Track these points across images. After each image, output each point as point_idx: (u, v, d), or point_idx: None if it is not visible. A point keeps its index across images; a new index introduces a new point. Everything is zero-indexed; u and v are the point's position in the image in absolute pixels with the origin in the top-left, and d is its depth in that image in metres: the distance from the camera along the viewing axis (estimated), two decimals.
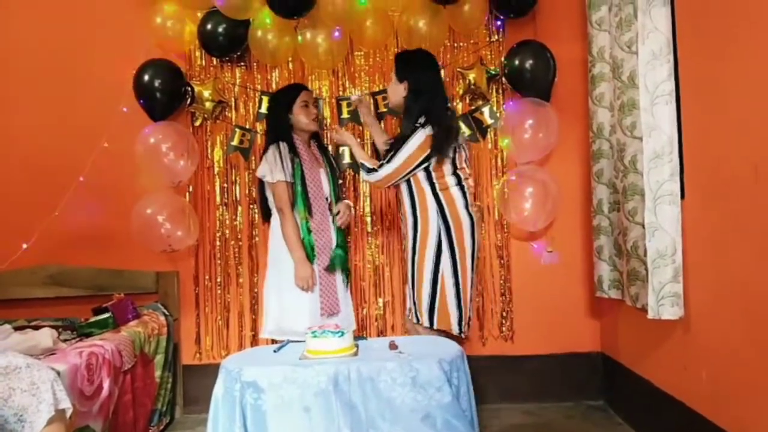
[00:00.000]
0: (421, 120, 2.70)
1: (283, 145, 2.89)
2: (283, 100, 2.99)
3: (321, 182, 2.96)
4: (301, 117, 2.95)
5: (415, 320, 2.76)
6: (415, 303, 2.74)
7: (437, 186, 2.72)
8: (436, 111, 2.74)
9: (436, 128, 2.68)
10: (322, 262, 2.88)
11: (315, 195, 2.91)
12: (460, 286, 2.70)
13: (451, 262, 2.69)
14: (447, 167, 2.73)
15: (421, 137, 2.67)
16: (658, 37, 2.37)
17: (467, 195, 2.76)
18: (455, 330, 2.71)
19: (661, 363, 2.70)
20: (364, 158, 2.85)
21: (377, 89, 3.38)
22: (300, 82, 3.28)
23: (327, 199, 2.97)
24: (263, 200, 3.00)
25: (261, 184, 2.99)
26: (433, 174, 2.72)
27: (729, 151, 2.14)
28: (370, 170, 2.78)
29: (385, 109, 3.33)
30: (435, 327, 2.71)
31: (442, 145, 2.68)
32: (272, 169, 2.85)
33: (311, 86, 3.47)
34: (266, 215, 3.02)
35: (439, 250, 2.69)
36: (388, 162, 2.71)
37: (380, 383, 2.22)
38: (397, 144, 2.73)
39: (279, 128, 2.96)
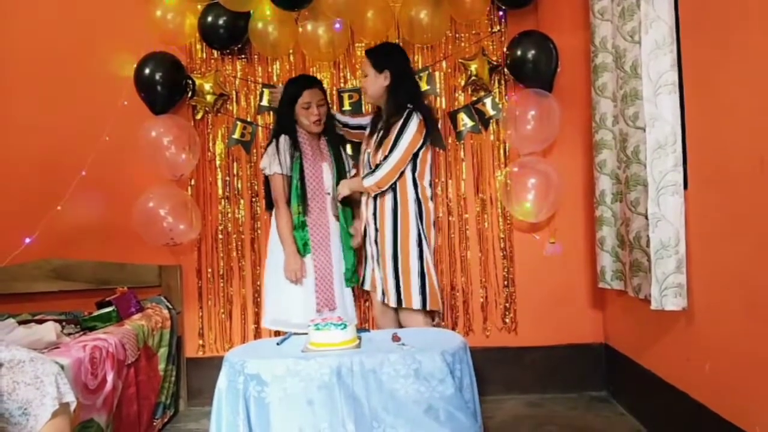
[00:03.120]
0: (410, 106, 2.79)
1: (285, 139, 2.92)
2: (289, 95, 2.98)
3: (322, 177, 2.97)
4: (301, 118, 2.96)
5: (395, 304, 2.84)
6: (399, 288, 2.82)
7: (418, 183, 2.84)
8: (420, 97, 2.93)
9: (424, 114, 2.80)
10: (318, 257, 2.92)
11: (314, 190, 2.95)
12: (434, 269, 2.90)
13: (426, 247, 2.85)
14: (429, 160, 2.87)
15: (416, 123, 2.76)
16: (661, 26, 2.36)
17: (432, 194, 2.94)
18: (440, 306, 2.92)
19: (665, 354, 2.69)
20: (359, 179, 2.89)
21: None
22: (310, 76, 3.22)
23: (329, 194, 2.99)
24: (267, 190, 3.05)
25: (265, 174, 3.03)
26: (418, 167, 2.83)
27: (733, 141, 2.12)
28: (374, 170, 2.79)
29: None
30: (428, 308, 2.84)
31: (431, 131, 2.81)
32: (270, 161, 2.90)
33: None
34: (269, 205, 3.06)
35: (419, 239, 2.83)
36: (390, 154, 2.75)
37: (383, 375, 2.23)
38: (388, 133, 2.78)
39: (283, 121, 2.98)
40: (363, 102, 3.38)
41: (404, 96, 2.83)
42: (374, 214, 2.89)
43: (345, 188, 2.97)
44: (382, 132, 2.85)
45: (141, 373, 2.91)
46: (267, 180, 3.03)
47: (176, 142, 3.22)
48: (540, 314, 3.42)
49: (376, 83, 2.89)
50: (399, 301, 2.83)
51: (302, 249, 2.92)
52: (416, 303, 2.81)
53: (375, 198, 2.87)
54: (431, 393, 2.22)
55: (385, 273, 2.86)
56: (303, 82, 3.02)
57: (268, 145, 2.99)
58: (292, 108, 2.96)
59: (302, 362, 2.25)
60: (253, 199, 3.48)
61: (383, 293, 2.88)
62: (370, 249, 2.93)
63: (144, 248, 3.38)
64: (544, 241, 3.40)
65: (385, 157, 2.76)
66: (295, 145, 2.93)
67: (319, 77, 3.44)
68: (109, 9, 3.46)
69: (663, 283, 2.39)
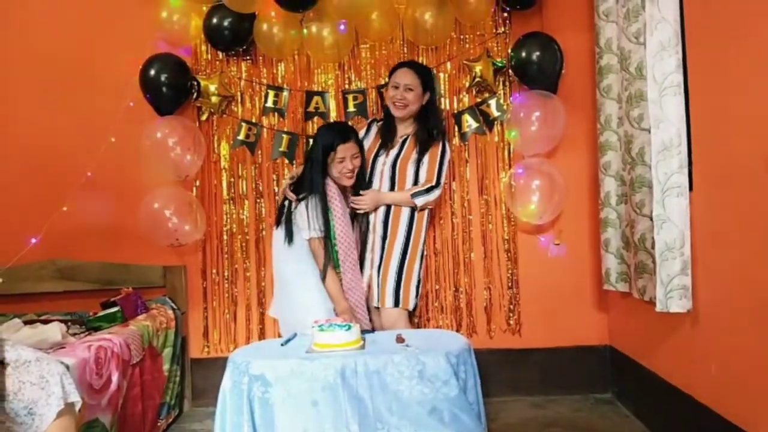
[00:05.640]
0: (443, 129, 3.07)
1: (313, 201, 2.78)
2: (323, 147, 2.81)
3: (352, 232, 2.89)
4: (333, 171, 2.82)
5: (392, 304, 2.89)
6: (399, 290, 2.89)
7: None
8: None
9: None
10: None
11: (347, 250, 2.84)
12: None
13: (424, 255, 3.04)
14: None
15: (448, 147, 3.02)
16: (666, 27, 2.35)
17: None
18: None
19: (669, 356, 2.69)
20: (406, 193, 2.92)
21: (383, 82, 3.34)
22: (345, 125, 3.03)
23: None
24: (288, 222, 2.85)
25: (289, 205, 2.86)
26: None
27: (738, 143, 2.12)
28: (429, 190, 2.92)
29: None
30: (415, 308, 2.98)
31: None
32: (304, 226, 2.78)
33: (317, 80, 3.46)
34: (291, 237, 2.85)
35: (423, 247, 2.99)
36: (439, 177, 2.93)
37: (387, 376, 2.23)
38: (425, 152, 2.94)
39: (314, 174, 2.81)
40: (367, 104, 3.38)
41: (440, 118, 3.09)
42: (385, 221, 2.95)
43: (370, 204, 2.94)
44: (417, 149, 2.95)
45: (146, 373, 2.92)
46: (289, 211, 2.85)
47: (181, 143, 3.22)
48: (544, 316, 3.42)
49: (419, 100, 2.96)
50: (397, 301, 2.88)
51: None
52: (411, 304, 2.92)
53: (388, 207, 2.95)
54: (435, 394, 2.22)
55: (386, 276, 2.90)
56: (338, 135, 2.83)
57: (298, 199, 2.81)
58: (325, 159, 2.81)
59: (306, 363, 2.26)
60: (258, 201, 3.49)
61: (378, 296, 2.92)
62: (371, 256, 2.96)
63: (149, 249, 3.39)
64: (548, 242, 3.40)
65: (437, 180, 2.92)
66: (325, 205, 2.80)
67: (323, 78, 3.46)
68: (115, 11, 3.47)
69: (668, 285, 2.38)
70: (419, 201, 2.91)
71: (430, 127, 2.97)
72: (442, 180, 2.95)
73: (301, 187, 2.85)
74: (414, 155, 2.95)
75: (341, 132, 2.87)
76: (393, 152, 2.99)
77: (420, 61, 3.38)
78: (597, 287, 3.33)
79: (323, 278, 2.79)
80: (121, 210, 3.41)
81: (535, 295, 3.43)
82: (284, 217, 2.87)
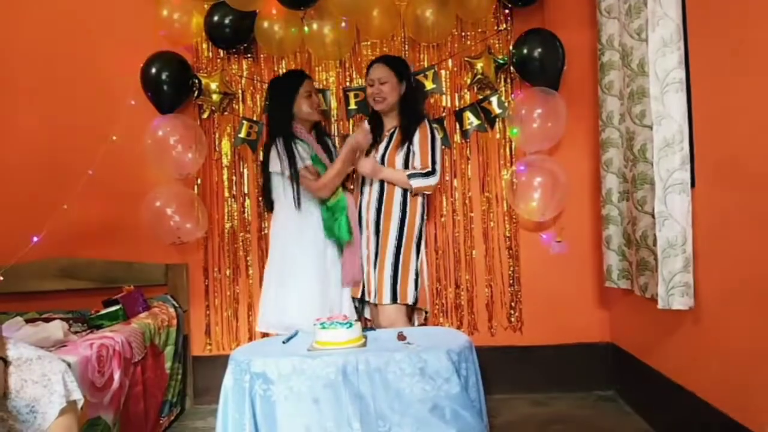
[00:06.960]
0: (425, 114, 3.10)
1: (281, 141, 2.91)
2: (286, 88, 2.98)
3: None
4: (303, 107, 2.97)
5: (389, 300, 2.88)
6: (396, 284, 2.88)
7: None
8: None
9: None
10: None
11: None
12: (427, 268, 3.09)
13: (424, 246, 3.02)
14: None
15: (435, 131, 3.02)
16: (668, 23, 2.34)
17: None
18: (428, 305, 3.06)
19: (671, 353, 2.68)
20: (403, 173, 2.92)
21: None
22: (301, 69, 3.25)
23: None
24: (267, 192, 3.04)
25: (265, 176, 3.02)
26: None
27: (740, 139, 2.11)
28: (426, 174, 2.91)
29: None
30: (419, 305, 2.95)
31: None
32: (277, 167, 2.93)
33: (318, 77, 3.46)
34: (270, 206, 3.09)
35: (420, 237, 2.97)
36: (434, 163, 2.92)
37: (389, 374, 2.23)
38: (410, 140, 2.94)
39: (281, 119, 2.97)
40: (367, 102, 3.38)
41: (419, 105, 3.12)
42: (377, 217, 2.96)
43: (368, 169, 2.95)
44: (401, 137, 2.97)
45: (147, 371, 2.92)
46: (266, 181, 3.03)
47: (183, 141, 3.23)
48: (546, 313, 3.41)
49: (396, 91, 2.98)
50: (395, 296, 2.87)
51: (346, 233, 2.89)
52: (410, 298, 2.89)
53: (380, 200, 2.95)
54: (437, 392, 2.22)
55: (383, 271, 2.90)
56: (299, 74, 3.06)
57: (266, 145, 2.99)
58: (291, 102, 2.96)
59: (308, 361, 2.26)
60: (260, 198, 3.49)
61: (375, 292, 2.91)
62: (366, 252, 2.98)
63: (151, 247, 3.40)
64: (550, 240, 3.39)
65: (433, 166, 2.91)
66: (293, 144, 2.93)
67: (325, 76, 3.47)
68: (116, 9, 3.47)
69: (670, 282, 2.38)
70: (415, 182, 2.90)
71: (410, 116, 2.99)
72: (437, 166, 2.93)
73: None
74: (400, 145, 2.97)
75: (299, 71, 3.12)
76: (382, 146, 3.03)
77: (422, 59, 3.40)
78: (599, 284, 3.32)
79: (319, 185, 2.90)
80: (123, 208, 3.41)
81: (537, 293, 3.43)
82: (263, 186, 3.04)
